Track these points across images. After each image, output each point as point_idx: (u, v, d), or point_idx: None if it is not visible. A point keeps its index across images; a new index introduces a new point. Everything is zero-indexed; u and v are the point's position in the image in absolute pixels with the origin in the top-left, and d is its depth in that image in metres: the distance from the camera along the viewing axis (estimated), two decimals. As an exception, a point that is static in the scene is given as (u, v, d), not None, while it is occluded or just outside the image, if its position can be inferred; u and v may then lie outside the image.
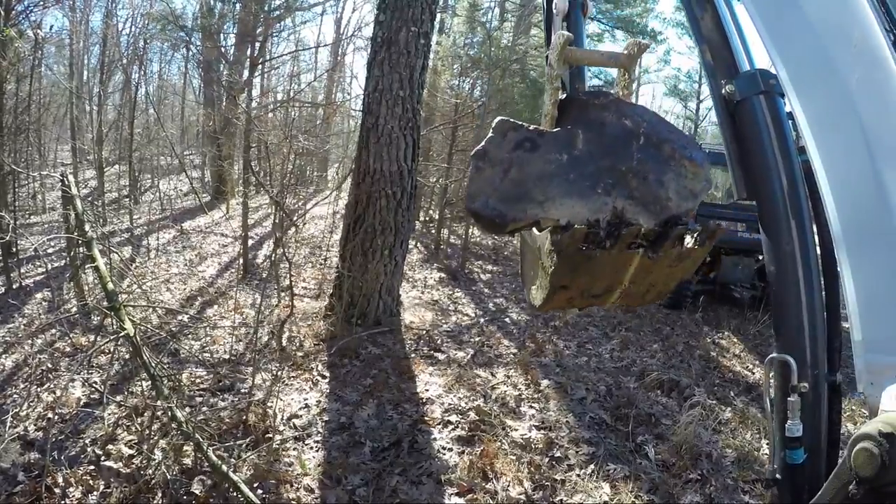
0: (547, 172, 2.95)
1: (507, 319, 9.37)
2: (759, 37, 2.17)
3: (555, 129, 3.04)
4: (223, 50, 20.18)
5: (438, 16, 13.48)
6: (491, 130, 2.84)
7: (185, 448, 4.66)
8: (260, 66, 18.62)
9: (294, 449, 5.10)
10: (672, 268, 3.03)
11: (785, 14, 2.14)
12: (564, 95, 3.22)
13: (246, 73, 18.47)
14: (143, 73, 19.57)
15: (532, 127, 2.92)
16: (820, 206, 2.09)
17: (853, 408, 6.15)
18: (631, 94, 3.33)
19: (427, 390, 6.33)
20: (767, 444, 5.20)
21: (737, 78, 2.38)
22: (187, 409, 5.20)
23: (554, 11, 3.67)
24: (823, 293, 2.20)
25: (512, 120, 2.86)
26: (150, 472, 4.43)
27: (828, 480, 1.80)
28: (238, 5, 18.91)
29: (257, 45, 18.77)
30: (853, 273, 1.89)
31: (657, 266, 2.89)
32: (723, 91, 2.42)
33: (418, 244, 14.26)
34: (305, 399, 5.96)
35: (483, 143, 2.83)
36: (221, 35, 20.17)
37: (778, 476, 2.13)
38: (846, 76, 1.89)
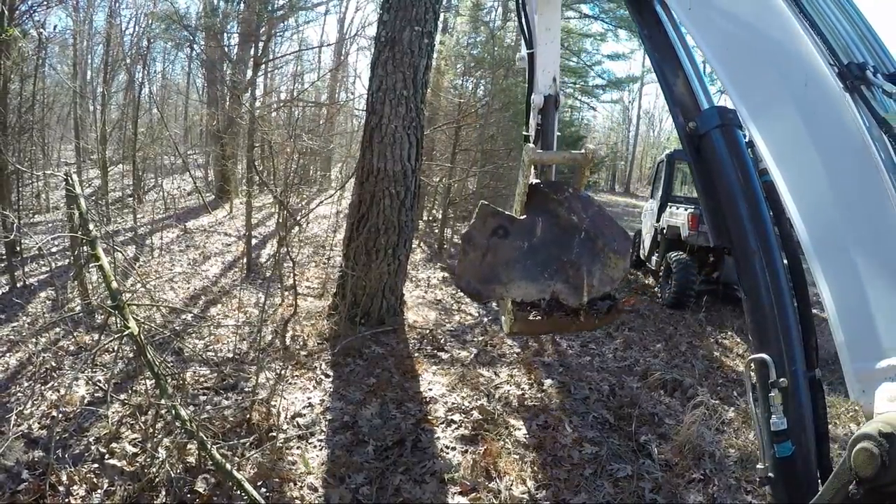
0: (512, 258, 4.64)
1: (510, 319, 9.35)
2: (721, 80, 2.43)
3: (522, 217, 4.68)
4: (226, 49, 20.20)
5: (442, 15, 13.51)
6: (475, 215, 4.50)
7: (188, 446, 4.67)
8: (263, 66, 18.64)
9: (297, 447, 5.10)
10: (593, 323, 4.98)
11: (743, 61, 2.40)
12: (535, 181, 4.84)
13: (249, 73, 18.50)
14: (146, 72, 19.57)
15: (506, 214, 4.60)
16: (783, 216, 2.33)
17: (856, 409, 6.14)
18: (584, 185, 5.13)
19: (430, 389, 6.33)
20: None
21: (698, 116, 2.70)
22: (191, 408, 5.21)
23: (531, 106, 5.60)
24: (792, 292, 2.39)
25: (492, 206, 4.53)
26: (154, 470, 4.44)
27: (828, 480, 1.84)
28: (241, 5, 18.94)
29: (260, 44, 18.79)
30: (828, 283, 2.01)
31: (583, 322, 4.80)
32: (687, 128, 2.70)
33: (421, 243, 14.28)
34: (309, 398, 5.97)
35: (469, 228, 4.55)
36: (225, 35, 20.22)
37: (770, 474, 2.23)
38: (800, 110, 2.12)
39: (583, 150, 4.98)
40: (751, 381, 2.35)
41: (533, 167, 4.76)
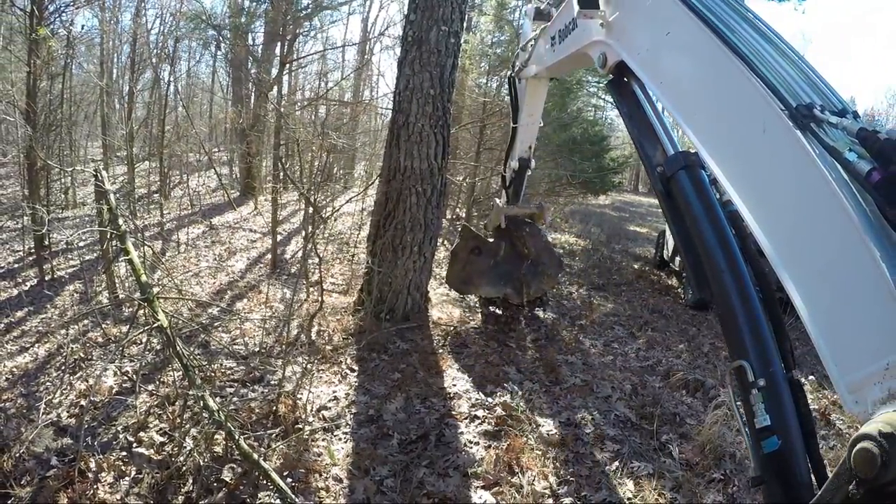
0: (481, 270, 8.31)
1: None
2: (690, 139, 2.85)
3: (491, 241, 8.38)
4: (252, 48, 20.32)
5: (466, 14, 13.53)
6: (459, 235, 8.45)
7: (216, 436, 4.74)
8: (288, 65, 18.70)
9: (323, 439, 5.17)
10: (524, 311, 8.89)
11: (709, 120, 2.80)
12: (504, 221, 8.23)
13: (274, 72, 18.59)
14: (172, 70, 19.70)
15: (481, 237, 8.45)
16: (749, 237, 2.66)
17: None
18: (540, 222, 8.66)
19: (454, 385, 6.37)
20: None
21: (665, 161, 3.21)
22: (218, 399, 5.28)
23: (508, 167, 8.14)
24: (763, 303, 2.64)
25: (473, 230, 8.54)
26: (182, 458, 4.51)
27: (828, 480, 1.88)
28: (268, 5, 19.03)
29: (286, 44, 18.86)
30: (803, 302, 2.15)
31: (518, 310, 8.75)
32: (657, 172, 3.21)
33: (445, 241, 14.27)
34: (334, 391, 6.03)
35: (455, 246, 8.36)
36: (250, 34, 20.32)
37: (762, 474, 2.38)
38: (761, 151, 2.45)
39: (539, 204, 8.63)
40: (734, 390, 2.59)
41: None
